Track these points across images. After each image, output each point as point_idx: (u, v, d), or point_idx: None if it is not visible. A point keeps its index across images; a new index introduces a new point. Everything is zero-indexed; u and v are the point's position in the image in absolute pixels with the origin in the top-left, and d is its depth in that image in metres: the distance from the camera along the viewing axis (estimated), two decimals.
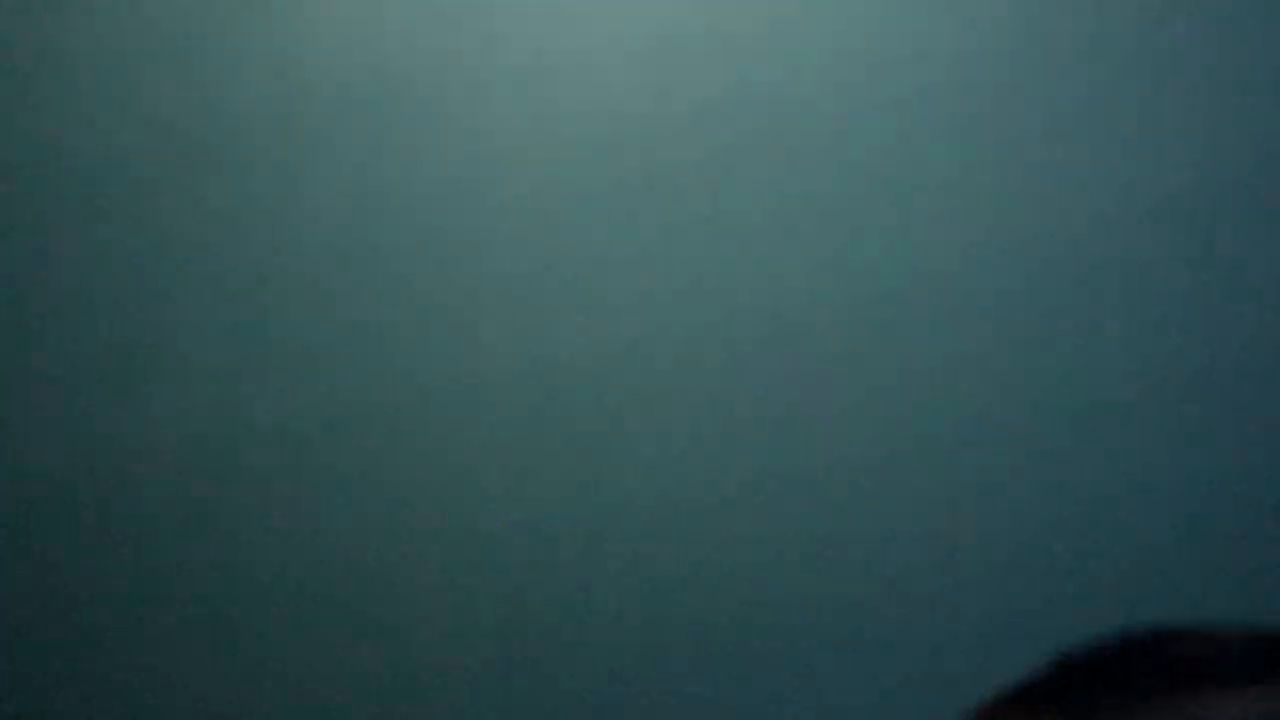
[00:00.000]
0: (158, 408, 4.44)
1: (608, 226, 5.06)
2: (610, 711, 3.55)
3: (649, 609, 3.66)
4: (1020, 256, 4.91)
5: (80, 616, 3.73)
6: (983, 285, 4.77)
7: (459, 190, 5.17)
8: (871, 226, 5.00)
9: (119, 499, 4.14)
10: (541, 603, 3.68)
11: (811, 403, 4.23)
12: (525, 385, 4.40)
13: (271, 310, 4.80)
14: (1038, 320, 4.50)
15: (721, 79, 5.48)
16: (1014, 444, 4.04)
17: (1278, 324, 4.33)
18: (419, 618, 3.73)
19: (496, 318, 4.61)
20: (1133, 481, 3.89)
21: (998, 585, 3.66)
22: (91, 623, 3.68)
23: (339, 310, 4.55)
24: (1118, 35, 5.43)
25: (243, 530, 3.95)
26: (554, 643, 3.61)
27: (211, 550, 3.95)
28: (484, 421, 4.25)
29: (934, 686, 3.46)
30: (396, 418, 4.41)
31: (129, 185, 4.90)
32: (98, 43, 5.02)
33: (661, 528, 3.85)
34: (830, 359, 4.31)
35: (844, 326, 4.50)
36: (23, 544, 3.87)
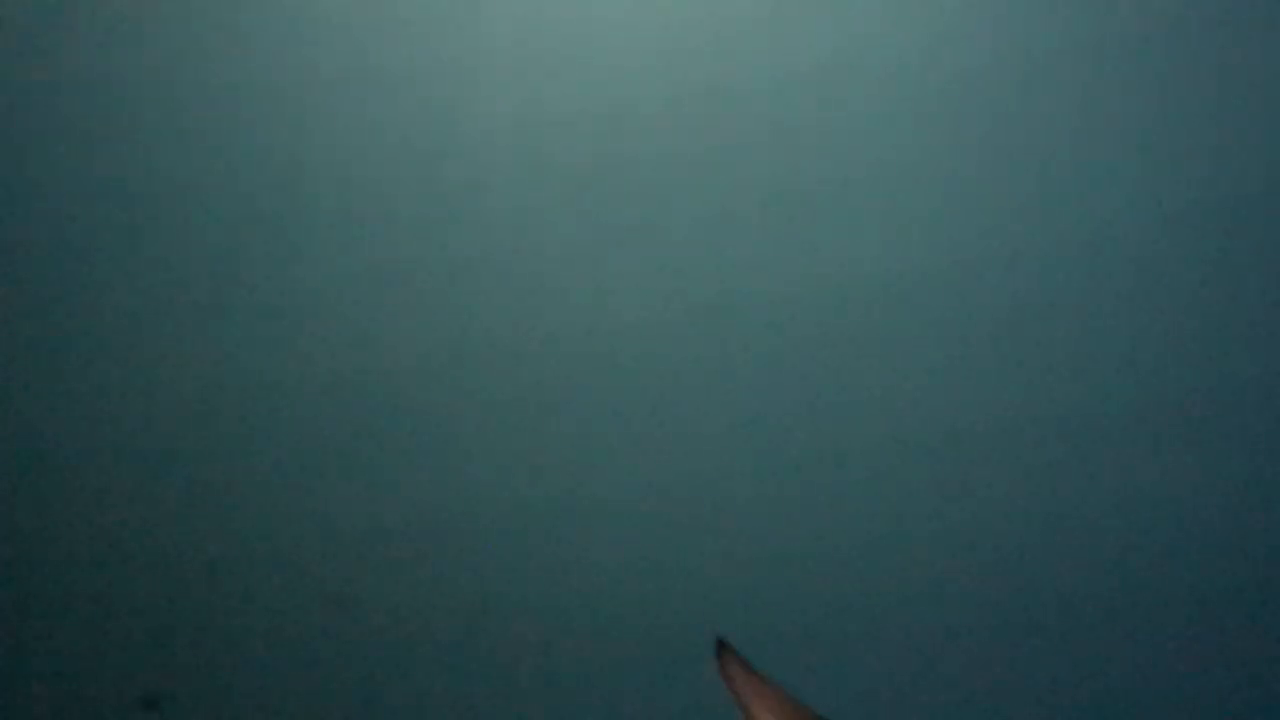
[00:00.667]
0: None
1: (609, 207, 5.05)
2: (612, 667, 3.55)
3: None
4: (1022, 253, 4.91)
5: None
6: (984, 281, 4.78)
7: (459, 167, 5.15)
8: (876, 220, 5.00)
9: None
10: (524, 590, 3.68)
11: (817, 392, 4.23)
12: (521, 364, 4.42)
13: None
14: (1038, 315, 4.50)
15: (723, 65, 5.47)
16: (1015, 442, 4.04)
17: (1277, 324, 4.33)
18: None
19: (491, 302, 4.63)
20: (1133, 482, 3.89)
21: (997, 582, 3.66)
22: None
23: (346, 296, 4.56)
24: (1122, 38, 5.41)
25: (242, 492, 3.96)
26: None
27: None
28: (480, 398, 4.26)
29: (934, 683, 3.46)
30: (394, 392, 4.43)
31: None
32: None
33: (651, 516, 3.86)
34: (832, 351, 4.31)
35: (847, 321, 4.50)
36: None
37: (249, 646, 3.77)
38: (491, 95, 4.89)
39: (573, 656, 3.58)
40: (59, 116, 4.91)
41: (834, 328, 4.44)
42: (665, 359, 4.37)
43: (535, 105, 5.23)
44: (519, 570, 3.77)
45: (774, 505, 3.96)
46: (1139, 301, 4.47)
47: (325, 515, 4.11)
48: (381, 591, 3.91)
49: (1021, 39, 5.47)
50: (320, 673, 3.66)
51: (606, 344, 4.48)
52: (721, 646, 2.33)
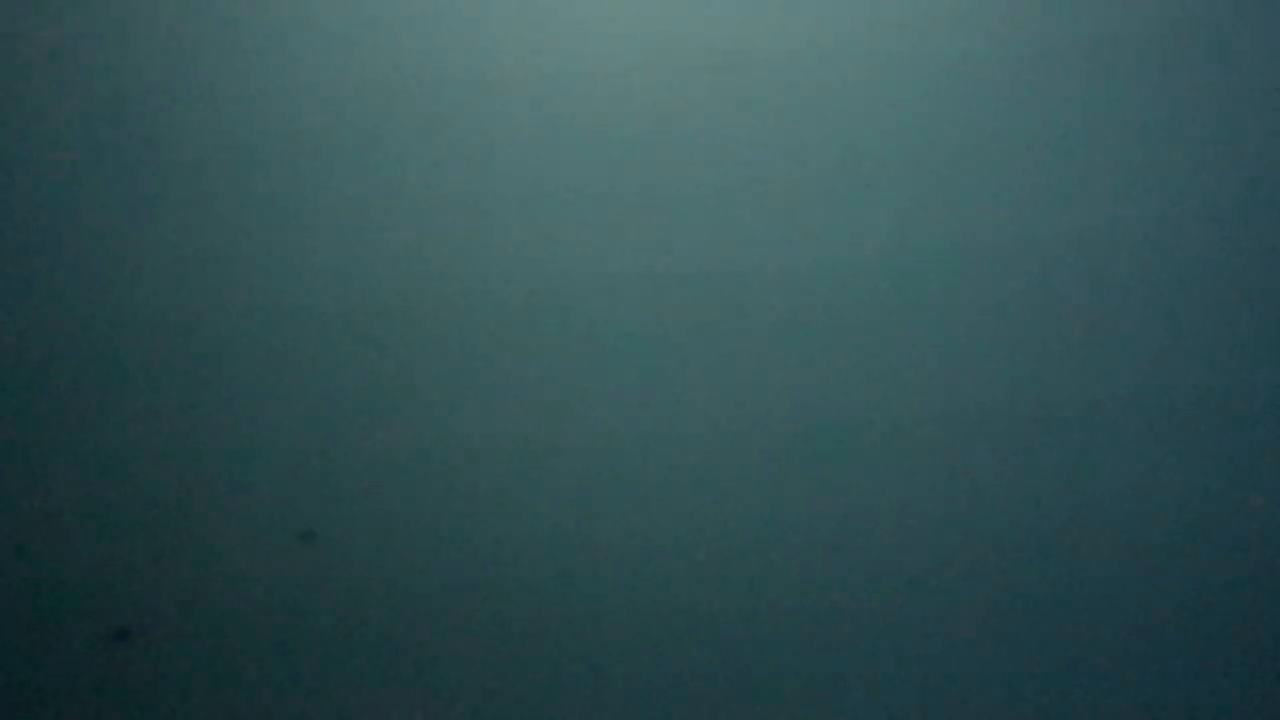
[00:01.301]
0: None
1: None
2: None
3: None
4: (1025, 250, 4.90)
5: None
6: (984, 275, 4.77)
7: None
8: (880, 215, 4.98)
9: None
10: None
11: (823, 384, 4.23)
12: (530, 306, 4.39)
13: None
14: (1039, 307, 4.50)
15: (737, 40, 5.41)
16: (1015, 440, 4.05)
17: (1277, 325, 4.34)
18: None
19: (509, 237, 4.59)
20: (1133, 481, 3.90)
21: (997, 579, 3.67)
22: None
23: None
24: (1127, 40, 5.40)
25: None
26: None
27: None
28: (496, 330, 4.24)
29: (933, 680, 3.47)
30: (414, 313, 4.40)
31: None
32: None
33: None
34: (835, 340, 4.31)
35: (851, 312, 4.50)
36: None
37: (217, 580, 3.75)
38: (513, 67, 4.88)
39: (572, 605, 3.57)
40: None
41: (845, 306, 4.43)
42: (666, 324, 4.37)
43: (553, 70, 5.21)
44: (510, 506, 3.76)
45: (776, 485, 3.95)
46: (1149, 292, 4.49)
47: (296, 451, 4.08)
48: (352, 528, 3.89)
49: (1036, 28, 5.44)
50: (289, 607, 3.64)
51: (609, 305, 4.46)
52: None
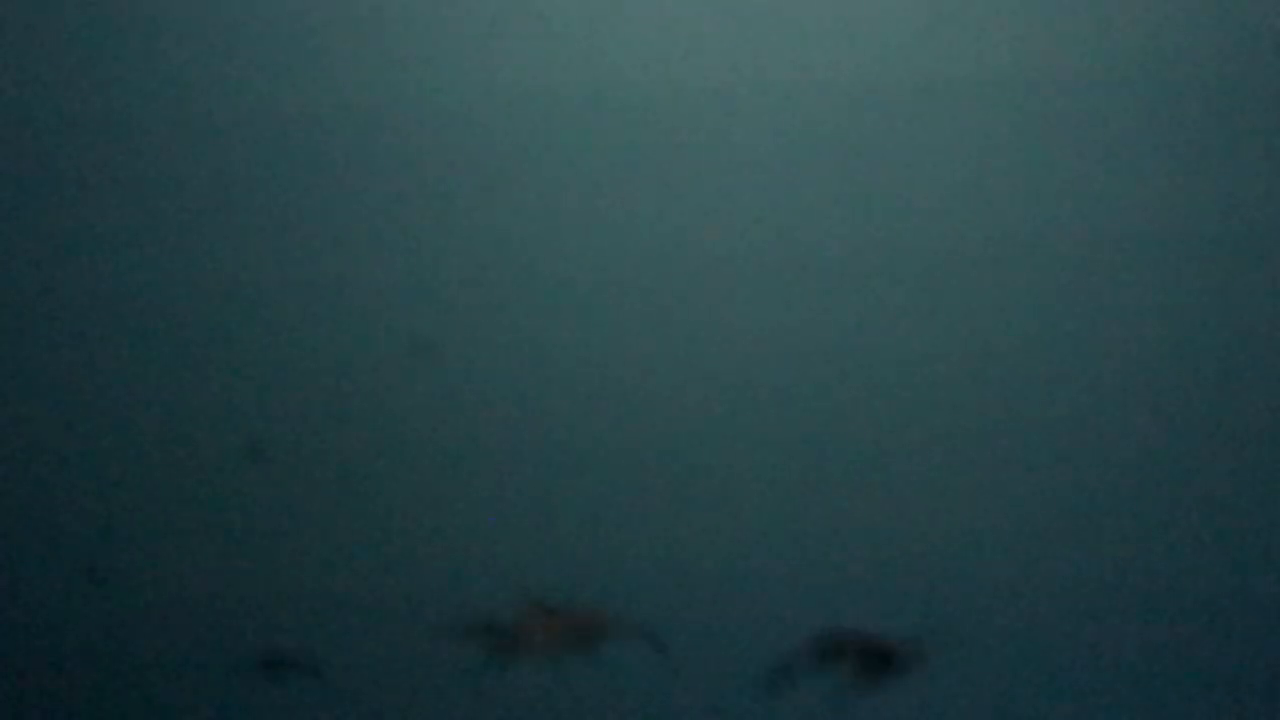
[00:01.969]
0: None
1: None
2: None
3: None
4: (1028, 247, 4.94)
5: None
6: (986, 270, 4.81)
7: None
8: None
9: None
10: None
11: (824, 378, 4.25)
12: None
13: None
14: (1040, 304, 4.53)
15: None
16: (1017, 439, 4.07)
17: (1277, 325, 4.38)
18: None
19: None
20: (1132, 480, 3.92)
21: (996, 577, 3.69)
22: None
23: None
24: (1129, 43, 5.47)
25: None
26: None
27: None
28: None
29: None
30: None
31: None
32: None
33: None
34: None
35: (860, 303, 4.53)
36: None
37: (182, 515, 3.80)
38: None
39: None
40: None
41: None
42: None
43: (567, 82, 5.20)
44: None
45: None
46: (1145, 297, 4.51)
47: (245, 368, 4.13)
48: (299, 444, 3.95)
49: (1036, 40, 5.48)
50: (245, 531, 3.68)
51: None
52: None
